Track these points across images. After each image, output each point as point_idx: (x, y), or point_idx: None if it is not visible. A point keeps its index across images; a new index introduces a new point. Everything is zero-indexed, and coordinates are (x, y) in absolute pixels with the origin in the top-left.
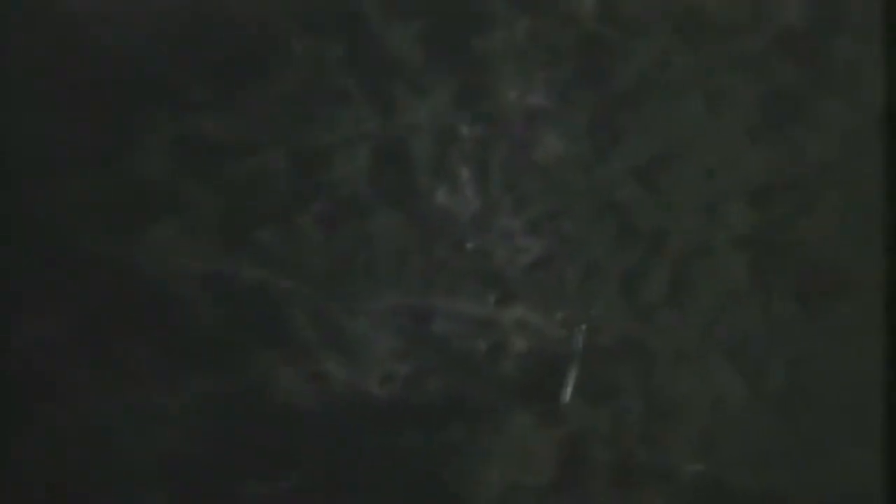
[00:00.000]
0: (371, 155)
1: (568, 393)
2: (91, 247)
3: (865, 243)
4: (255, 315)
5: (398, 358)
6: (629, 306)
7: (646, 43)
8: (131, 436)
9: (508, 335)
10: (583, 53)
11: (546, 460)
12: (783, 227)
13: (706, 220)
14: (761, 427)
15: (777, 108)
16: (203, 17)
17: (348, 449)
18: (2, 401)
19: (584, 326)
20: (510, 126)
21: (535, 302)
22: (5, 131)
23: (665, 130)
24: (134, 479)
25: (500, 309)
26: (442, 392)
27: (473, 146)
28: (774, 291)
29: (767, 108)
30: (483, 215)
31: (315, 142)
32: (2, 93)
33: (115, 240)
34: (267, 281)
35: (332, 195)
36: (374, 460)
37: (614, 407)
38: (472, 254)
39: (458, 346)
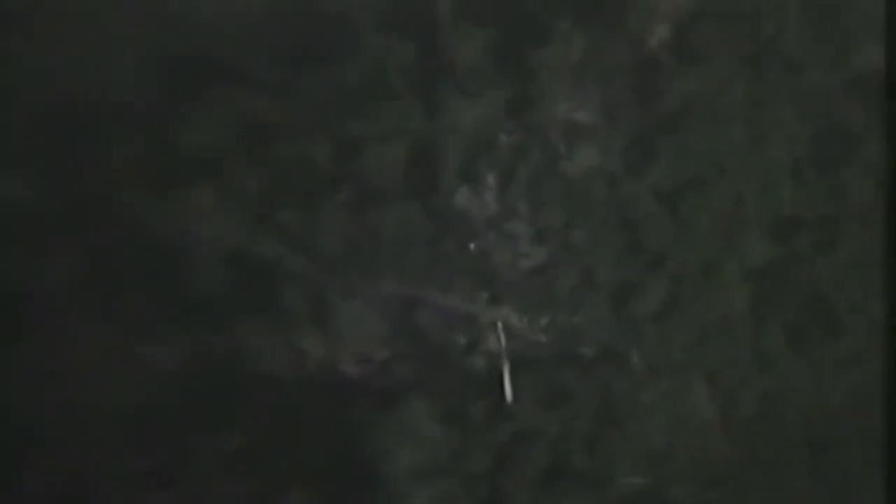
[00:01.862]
0: (407, 151)
1: (508, 392)
2: (123, 201)
3: (874, 289)
4: (258, 288)
5: (379, 343)
6: (616, 319)
7: (703, 69)
8: (109, 381)
9: (487, 333)
10: (637, 75)
11: (479, 454)
12: (798, 263)
13: (719, 247)
14: (719, 452)
15: (828, 148)
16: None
17: (299, 419)
18: None
19: (500, 323)
20: (547, 138)
21: (524, 306)
22: (80, 86)
23: (702, 156)
24: (100, 420)
25: (487, 308)
26: (407, 379)
27: (507, 154)
28: (768, 323)
29: (818, 146)
30: (496, 219)
31: (357, 133)
32: (80, 54)
33: (148, 198)
34: (278, 258)
35: (359, 185)
36: (318, 433)
37: (569, 411)
38: (476, 254)
39: (436, 338)
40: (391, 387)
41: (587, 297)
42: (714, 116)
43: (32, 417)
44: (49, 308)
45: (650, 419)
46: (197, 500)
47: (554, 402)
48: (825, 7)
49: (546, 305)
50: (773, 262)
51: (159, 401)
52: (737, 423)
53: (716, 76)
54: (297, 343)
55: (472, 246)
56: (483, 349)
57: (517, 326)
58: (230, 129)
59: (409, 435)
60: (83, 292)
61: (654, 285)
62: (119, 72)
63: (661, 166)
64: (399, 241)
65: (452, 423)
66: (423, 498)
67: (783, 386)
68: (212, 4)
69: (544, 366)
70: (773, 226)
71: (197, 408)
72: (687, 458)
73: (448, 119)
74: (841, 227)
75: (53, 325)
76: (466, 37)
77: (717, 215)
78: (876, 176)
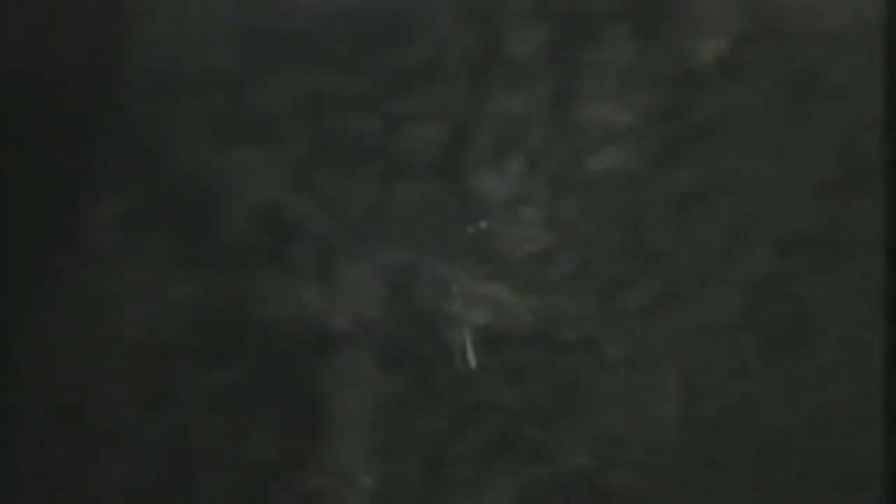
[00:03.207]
0: (444, 132)
1: (472, 359)
2: (181, 152)
3: (860, 313)
4: (278, 243)
5: (375, 304)
6: (602, 310)
7: (745, 86)
8: (129, 311)
9: (476, 307)
10: (679, 85)
11: (436, 416)
12: (794, 280)
13: (721, 256)
14: (671, 448)
15: (849, 176)
16: None
17: (285, 365)
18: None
19: (456, 288)
20: (580, 134)
21: (518, 285)
22: (173, 52)
23: (725, 169)
24: (112, 345)
25: (482, 284)
26: (391, 339)
27: (538, 145)
28: (752, 333)
29: (839, 173)
30: (512, 203)
31: (402, 111)
32: (178, 23)
33: (203, 152)
34: (303, 218)
35: (393, 159)
36: (297, 381)
37: (531, 388)
38: (485, 233)
39: (429, 306)
40: (371, 345)
41: (580, 286)
42: (745, 132)
43: (54, 339)
44: (94, 241)
45: (610, 407)
46: (175, 428)
47: (519, 378)
48: (876, 39)
49: (539, 288)
50: (770, 277)
51: (168, 334)
52: (696, 424)
53: (756, 94)
54: (301, 296)
55: (482, 224)
56: (468, 321)
57: (507, 303)
58: (293, 97)
59: (364, 387)
60: (125, 229)
61: (648, 284)
62: (209, 40)
63: (682, 174)
64: (417, 214)
65: (417, 385)
66: (367, 451)
67: (751, 395)
68: None
69: (521, 343)
70: (779, 242)
71: (198, 345)
72: (637, 448)
73: (490, 106)
74: (841, 250)
75: (96, 257)
76: (527, 32)
77: (726, 226)
78: (887, 205)
